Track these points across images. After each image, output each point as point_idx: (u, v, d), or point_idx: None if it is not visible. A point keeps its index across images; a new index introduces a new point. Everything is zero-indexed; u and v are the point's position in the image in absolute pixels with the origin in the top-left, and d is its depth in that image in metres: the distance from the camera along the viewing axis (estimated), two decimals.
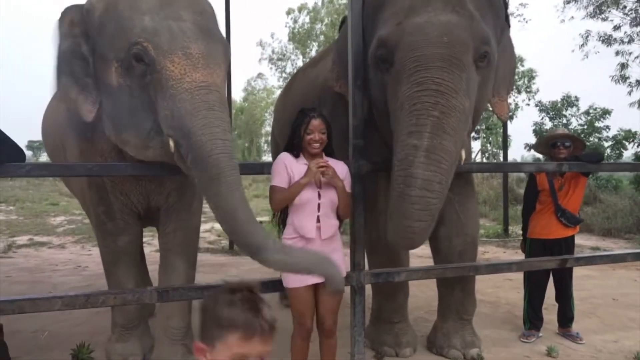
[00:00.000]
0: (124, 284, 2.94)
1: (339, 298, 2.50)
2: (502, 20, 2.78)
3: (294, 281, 2.40)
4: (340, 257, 2.51)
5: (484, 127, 20.01)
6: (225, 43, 2.39)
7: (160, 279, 2.99)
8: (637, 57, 11.36)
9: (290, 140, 2.49)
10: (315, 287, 2.43)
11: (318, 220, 2.40)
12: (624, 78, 11.45)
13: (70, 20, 2.38)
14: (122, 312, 3.01)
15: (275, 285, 2.53)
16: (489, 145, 21.00)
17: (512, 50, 3.03)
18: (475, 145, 22.26)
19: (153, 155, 2.33)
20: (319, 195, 2.41)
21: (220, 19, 7.64)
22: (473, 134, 21.40)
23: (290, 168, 2.39)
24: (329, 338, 2.52)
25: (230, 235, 2.22)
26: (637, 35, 11.26)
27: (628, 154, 12.75)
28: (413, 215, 2.18)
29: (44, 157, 40.55)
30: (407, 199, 2.19)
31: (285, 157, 2.44)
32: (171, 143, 2.15)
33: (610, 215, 9.62)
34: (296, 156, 2.45)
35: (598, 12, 11.35)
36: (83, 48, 2.36)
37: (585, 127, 13.19)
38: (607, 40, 11.83)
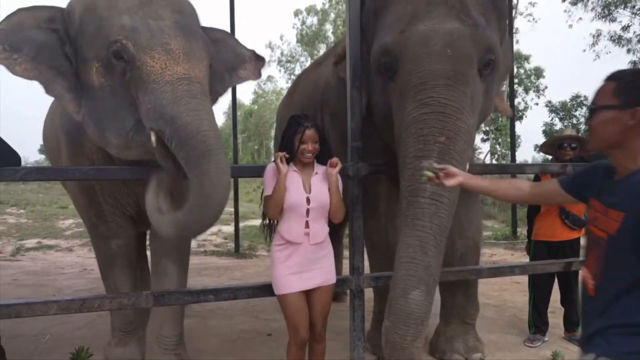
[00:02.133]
0: (119, 287, 2.93)
1: (329, 302, 2.46)
2: (506, 23, 2.73)
3: (284, 287, 2.36)
4: (331, 262, 2.47)
5: (493, 129, 19.89)
6: (206, 41, 2.39)
7: (153, 284, 2.96)
8: None
9: (282, 147, 2.44)
10: (306, 293, 2.39)
11: (307, 226, 2.36)
12: None
13: (50, 17, 2.37)
14: (120, 316, 3.00)
15: (268, 290, 2.48)
16: (498, 146, 20.84)
17: (511, 56, 2.96)
18: (485, 147, 22.12)
19: (136, 154, 2.33)
20: (308, 200, 2.37)
21: (226, 21, 7.70)
22: (482, 136, 21.32)
23: (277, 175, 2.34)
24: (319, 342, 2.48)
25: (199, 207, 2.11)
26: None
27: None
28: (424, 215, 2.13)
29: None
30: (415, 204, 2.16)
31: (274, 165, 2.39)
32: (153, 138, 2.14)
33: None
34: (286, 163, 2.40)
35: (607, 12, 11.19)
36: (66, 49, 2.35)
37: None
38: (617, 40, 11.66)
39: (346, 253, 3.16)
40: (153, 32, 2.17)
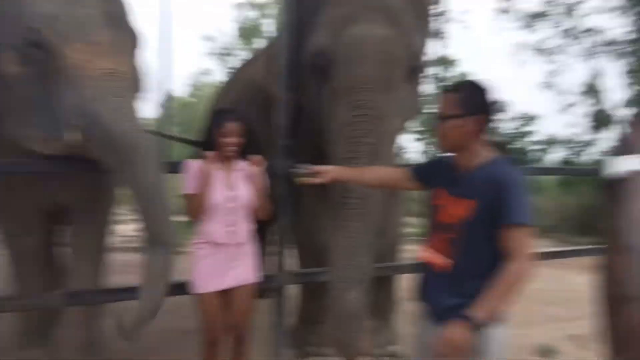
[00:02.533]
0: (32, 287, 2.78)
1: (250, 301, 2.43)
2: (429, 30, 2.89)
3: (201, 287, 2.32)
4: (253, 261, 2.44)
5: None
6: (135, 31, 2.31)
7: (70, 284, 2.80)
8: (566, 66, 12.06)
9: (204, 141, 2.40)
10: (226, 292, 2.35)
11: (230, 224, 2.32)
12: (550, 86, 12.10)
13: None
14: (28, 318, 2.84)
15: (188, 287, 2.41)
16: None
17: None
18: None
19: (62, 148, 2.20)
20: (231, 199, 2.32)
21: (161, 10, 7.41)
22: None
23: (202, 172, 2.28)
24: (241, 344, 2.44)
25: (144, 220, 2.06)
26: (566, 46, 11.94)
27: (554, 157, 13.48)
28: (354, 216, 2.26)
29: None
30: (345, 206, 2.29)
31: (194, 162, 2.33)
32: (76, 135, 2.05)
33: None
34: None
35: (530, 23, 11.94)
36: None
37: (515, 131, 13.85)
38: (539, 50, 12.47)
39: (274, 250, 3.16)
40: (77, 21, 2.05)
